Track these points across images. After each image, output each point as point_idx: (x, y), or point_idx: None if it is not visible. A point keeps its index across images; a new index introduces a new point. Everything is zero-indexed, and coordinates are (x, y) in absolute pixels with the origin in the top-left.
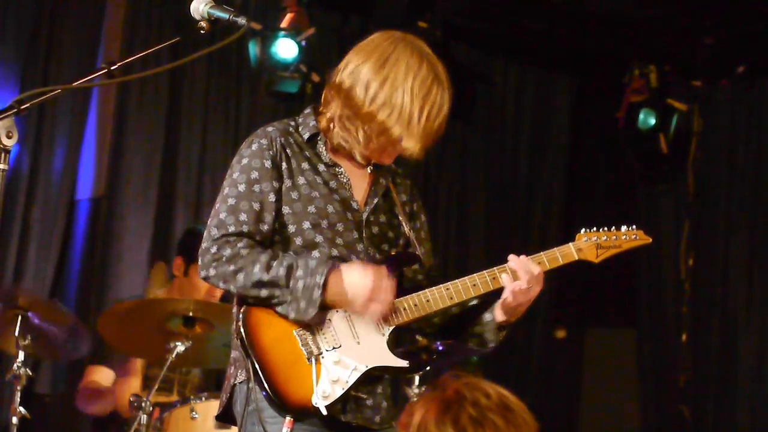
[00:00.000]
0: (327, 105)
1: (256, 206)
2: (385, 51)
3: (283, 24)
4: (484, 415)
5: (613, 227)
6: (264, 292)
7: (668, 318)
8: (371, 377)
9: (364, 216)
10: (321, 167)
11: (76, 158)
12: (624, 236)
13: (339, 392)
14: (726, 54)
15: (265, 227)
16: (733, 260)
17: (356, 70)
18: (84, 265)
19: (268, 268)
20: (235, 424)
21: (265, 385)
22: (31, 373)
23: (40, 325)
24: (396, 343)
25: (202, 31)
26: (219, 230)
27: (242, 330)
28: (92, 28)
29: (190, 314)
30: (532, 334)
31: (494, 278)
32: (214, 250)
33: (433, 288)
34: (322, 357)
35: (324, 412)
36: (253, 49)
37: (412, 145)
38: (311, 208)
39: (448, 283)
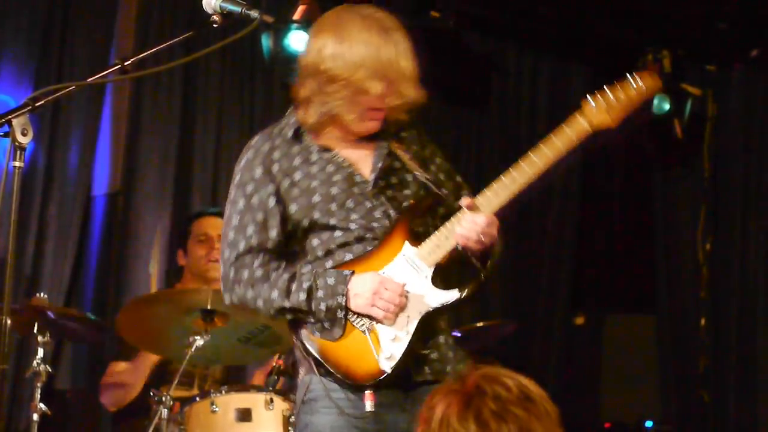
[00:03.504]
0: (299, 91)
1: (260, 216)
2: (334, 22)
3: (296, 16)
4: (505, 408)
5: (616, 82)
6: (289, 316)
7: (687, 303)
8: (430, 328)
9: (371, 184)
10: (313, 157)
11: (91, 154)
12: (631, 87)
13: (402, 348)
14: (739, 38)
15: (274, 233)
16: (751, 244)
17: (316, 48)
18: (101, 260)
19: (287, 293)
20: None
21: (335, 372)
22: (51, 370)
23: (58, 320)
24: (442, 281)
25: (214, 25)
26: (231, 252)
27: (302, 333)
28: (105, 25)
29: (209, 307)
30: (551, 322)
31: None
32: (232, 275)
33: (454, 217)
34: (376, 326)
35: (389, 371)
36: (266, 42)
37: (398, 94)
38: (315, 198)
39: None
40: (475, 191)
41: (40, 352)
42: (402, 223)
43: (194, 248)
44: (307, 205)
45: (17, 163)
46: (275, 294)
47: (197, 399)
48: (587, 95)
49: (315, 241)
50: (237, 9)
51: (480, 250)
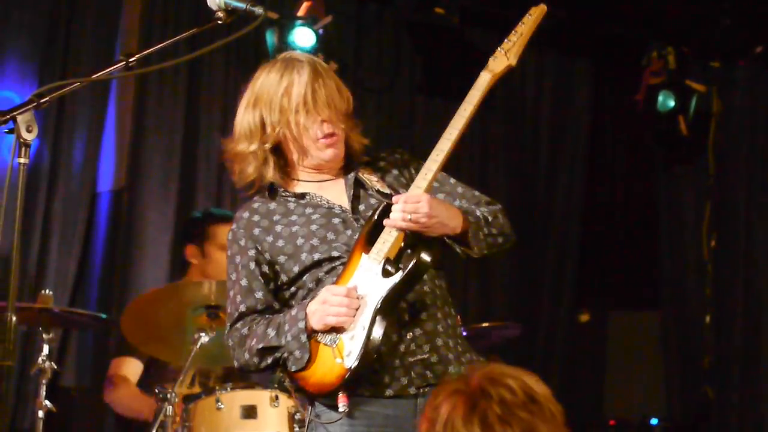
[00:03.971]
0: (245, 160)
1: (244, 282)
2: (249, 88)
3: (300, 12)
4: (511, 412)
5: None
6: (270, 360)
7: (692, 300)
8: (424, 332)
9: (350, 213)
10: (291, 206)
11: (96, 151)
12: (519, 24)
13: (359, 343)
14: (744, 34)
15: (260, 294)
16: (756, 240)
17: (238, 119)
18: (106, 257)
19: (264, 336)
20: None
21: (311, 392)
22: (56, 367)
23: (63, 317)
24: (390, 270)
25: (219, 22)
26: (230, 323)
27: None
28: (110, 21)
29: (212, 302)
30: (555, 319)
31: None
32: (230, 343)
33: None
34: (340, 335)
35: (352, 367)
36: (271, 38)
37: (331, 123)
38: (299, 240)
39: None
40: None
41: (45, 349)
42: (360, 239)
43: (215, 253)
44: (293, 251)
45: (22, 160)
46: (254, 342)
47: (202, 396)
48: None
49: (306, 277)
50: (241, 5)
51: (435, 229)
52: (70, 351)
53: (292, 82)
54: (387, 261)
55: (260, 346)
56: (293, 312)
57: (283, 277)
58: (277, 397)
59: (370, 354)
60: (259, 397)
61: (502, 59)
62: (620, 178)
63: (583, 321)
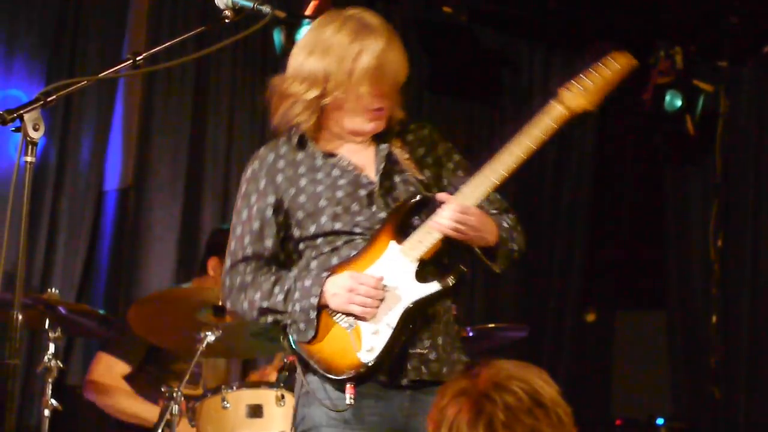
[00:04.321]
0: (293, 105)
1: (256, 225)
2: (315, 33)
3: (308, 11)
4: (515, 418)
5: (589, 68)
6: (269, 318)
7: (698, 299)
8: (427, 328)
9: (377, 186)
10: (318, 163)
11: (103, 149)
12: (605, 68)
13: (384, 341)
14: (751, 34)
15: (269, 242)
16: (763, 240)
17: (298, 61)
18: (112, 255)
19: (269, 295)
20: None
21: (320, 370)
22: (62, 365)
23: (69, 315)
24: (425, 276)
25: (226, 21)
26: (230, 260)
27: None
28: (117, 19)
29: (220, 303)
30: (562, 318)
31: None
32: (227, 282)
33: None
34: (358, 322)
35: (371, 362)
36: (278, 37)
37: (384, 100)
38: (322, 202)
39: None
40: None
41: (52, 348)
42: (389, 223)
43: None
44: (313, 210)
45: (29, 158)
46: (258, 295)
47: (208, 395)
48: (563, 85)
49: (321, 240)
50: (249, 4)
51: (474, 242)
52: (77, 349)
53: (364, 49)
54: (422, 263)
55: (264, 305)
56: (306, 282)
57: (296, 232)
58: (283, 396)
59: (390, 354)
60: (265, 396)
61: (580, 99)
62: (627, 178)
63: (590, 320)
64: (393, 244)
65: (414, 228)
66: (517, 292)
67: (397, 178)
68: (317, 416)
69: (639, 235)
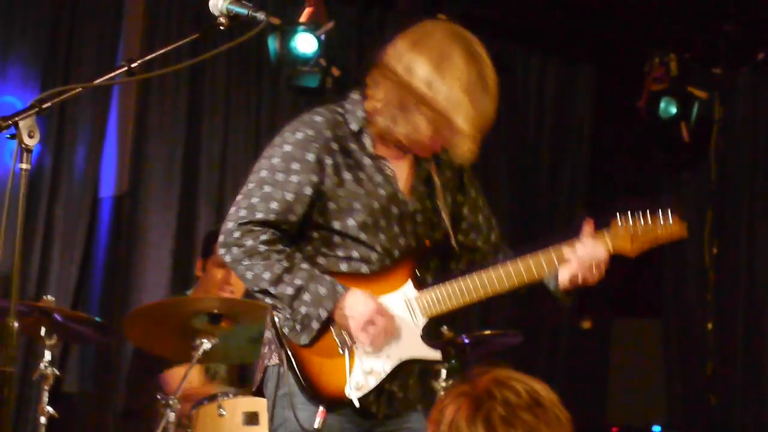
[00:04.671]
0: (375, 88)
1: (290, 197)
2: (441, 47)
3: (302, 18)
4: (514, 413)
5: (649, 213)
6: (267, 300)
7: (693, 307)
8: (404, 370)
9: (409, 207)
10: (366, 160)
11: (98, 156)
12: (660, 226)
13: (373, 383)
14: (746, 41)
15: (294, 218)
16: (757, 247)
17: (412, 62)
18: (108, 262)
19: (277, 281)
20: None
21: (299, 374)
22: (58, 373)
23: (65, 322)
24: (428, 335)
25: (221, 27)
26: (247, 215)
27: (276, 319)
28: (112, 26)
29: (215, 311)
30: (558, 326)
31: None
32: (237, 235)
33: (468, 276)
34: (356, 348)
35: (357, 404)
36: (273, 44)
37: (465, 140)
38: (356, 205)
39: (490, 269)
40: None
41: (47, 355)
42: (411, 260)
43: (213, 270)
44: (346, 208)
45: (24, 165)
46: (267, 275)
47: (204, 402)
48: (619, 215)
49: (337, 237)
50: (244, 11)
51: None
52: (73, 357)
53: (473, 88)
54: (432, 322)
55: (271, 290)
56: (321, 290)
57: (318, 218)
58: None
59: (374, 394)
60: (262, 403)
61: (626, 243)
62: (622, 185)
63: (585, 328)
64: (410, 286)
65: (429, 269)
66: (513, 300)
67: (428, 204)
68: (304, 418)
69: None
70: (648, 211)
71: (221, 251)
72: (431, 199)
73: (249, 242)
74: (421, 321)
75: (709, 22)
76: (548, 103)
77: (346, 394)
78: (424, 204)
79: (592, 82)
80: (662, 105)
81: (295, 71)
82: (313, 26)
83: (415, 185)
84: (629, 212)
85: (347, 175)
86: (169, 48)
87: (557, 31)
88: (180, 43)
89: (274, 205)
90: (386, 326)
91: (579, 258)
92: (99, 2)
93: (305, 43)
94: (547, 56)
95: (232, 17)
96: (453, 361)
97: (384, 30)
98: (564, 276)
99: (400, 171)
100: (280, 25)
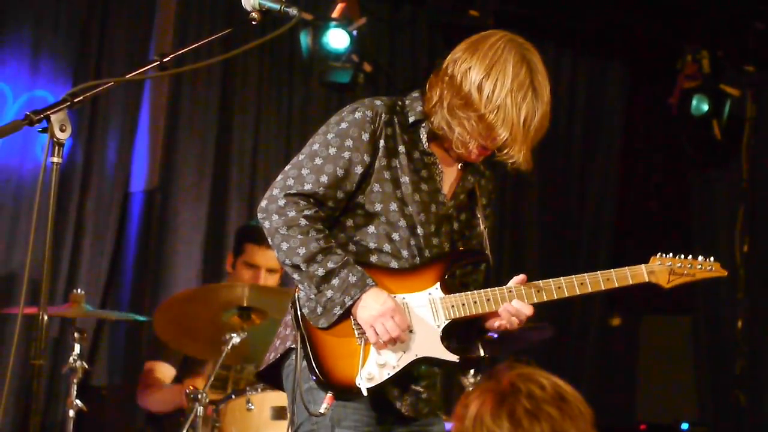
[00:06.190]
0: (433, 89)
1: (341, 172)
2: (495, 53)
3: (335, 14)
4: (539, 407)
5: (690, 256)
6: (295, 276)
7: (724, 304)
8: (426, 370)
9: (450, 210)
10: (416, 154)
11: (129, 151)
12: (699, 266)
13: (385, 376)
14: None
15: (341, 195)
16: None
17: (466, 67)
18: (138, 257)
19: (311, 260)
20: (277, 384)
21: (311, 356)
22: (87, 366)
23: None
24: (450, 337)
25: (253, 22)
26: (295, 184)
27: (297, 298)
28: (144, 21)
29: (245, 303)
30: (587, 322)
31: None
32: (281, 203)
33: (495, 288)
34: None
35: (365, 393)
36: (305, 39)
37: (515, 149)
38: (399, 193)
39: (511, 284)
40: (510, 192)
41: (77, 349)
42: (442, 263)
43: (241, 269)
44: (388, 194)
45: (55, 159)
46: (302, 251)
47: (233, 396)
48: (658, 254)
49: (371, 229)
50: (276, 6)
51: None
52: (102, 350)
53: (522, 96)
54: (452, 324)
55: (303, 267)
56: (351, 278)
57: (360, 198)
58: None
59: (384, 388)
60: None
61: (664, 276)
62: (653, 182)
63: (615, 324)
64: (437, 288)
65: (454, 276)
66: None
67: (466, 216)
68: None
69: (664, 239)
70: (690, 255)
71: (260, 215)
72: (470, 210)
73: (291, 213)
74: (443, 322)
75: (741, 20)
76: (580, 100)
77: (356, 383)
78: (461, 214)
79: (624, 79)
80: (694, 102)
81: (326, 67)
82: (345, 22)
83: (458, 192)
84: (672, 254)
85: (395, 162)
86: (201, 43)
87: (588, 27)
88: (212, 38)
89: (324, 179)
90: (395, 326)
91: (507, 310)
92: None
93: (337, 39)
94: (578, 54)
95: (264, 12)
96: (476, 366)
97: (416, 26)
98: (492, 324)
99: (448, 175)
100: (313, 21)
